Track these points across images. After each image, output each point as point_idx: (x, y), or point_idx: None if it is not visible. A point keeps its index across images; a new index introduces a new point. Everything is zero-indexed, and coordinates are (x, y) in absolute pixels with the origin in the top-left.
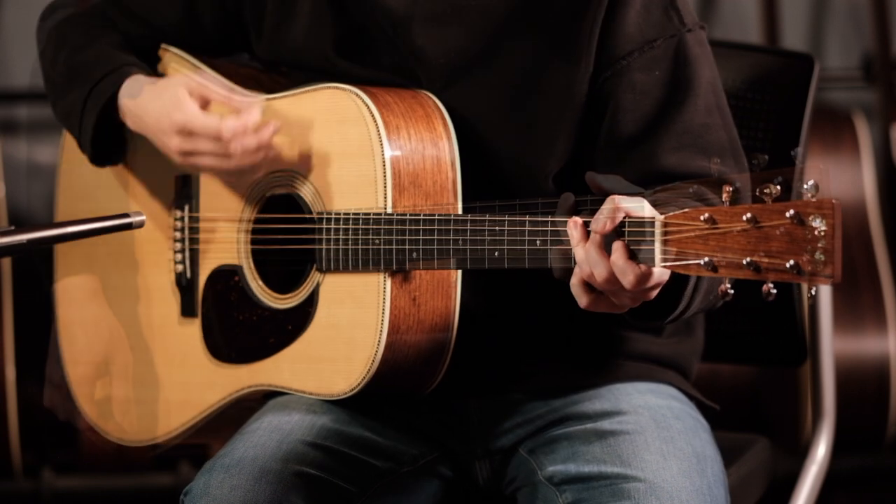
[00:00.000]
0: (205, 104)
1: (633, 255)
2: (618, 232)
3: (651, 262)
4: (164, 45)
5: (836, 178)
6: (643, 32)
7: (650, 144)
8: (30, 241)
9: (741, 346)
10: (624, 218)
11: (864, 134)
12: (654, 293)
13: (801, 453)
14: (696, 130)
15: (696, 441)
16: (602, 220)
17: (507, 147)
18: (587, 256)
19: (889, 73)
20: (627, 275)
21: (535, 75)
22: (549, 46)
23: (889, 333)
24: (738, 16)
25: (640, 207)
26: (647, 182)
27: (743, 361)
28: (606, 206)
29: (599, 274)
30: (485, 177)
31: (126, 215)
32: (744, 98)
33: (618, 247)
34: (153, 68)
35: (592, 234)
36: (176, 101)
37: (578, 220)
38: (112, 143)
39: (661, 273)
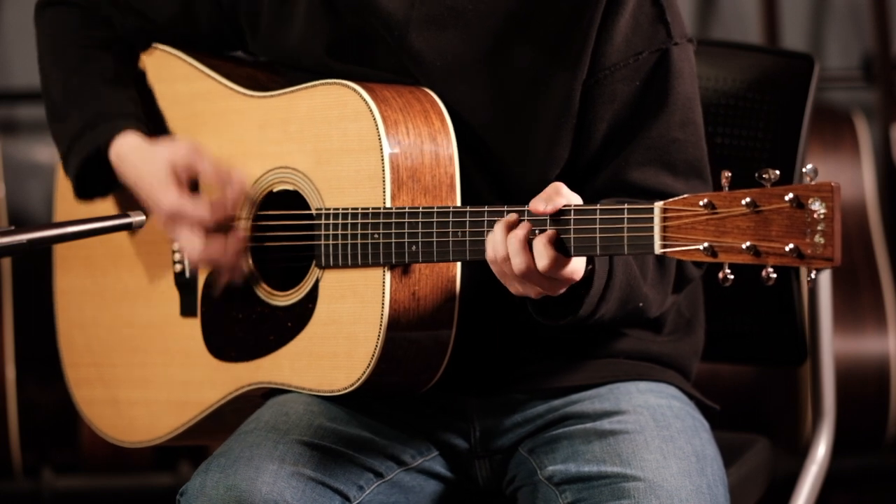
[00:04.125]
0: (192, 177)
1: (557, 244)
2: (555, 220)
3: (650, 250)
4: (157, 45)
5: (836, 178)
6: (630, 43)
7: (619, 157)
8: (30, 241)
9: (741, 346)
10: (564, 206)
11: (864, 134)
12: (562, 289)
13: (801, 453)
14: (664, 146)
15: (696, 440)
16: (541, 203)
17: (506, 151)
18: (507, 243)
19: (889, 73)
20: (543, 258)
21: (533, 80)
22: (546, 51)
23: (889, 333)
24: (738, 16)
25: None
26: (612, 193)
27: (743, 361)
28: (549, 190)
29: (517, 265)
30: (485, 181)
31: (126, 215)
32: (744, 98)
33: (546, 235)
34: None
35: (523, 224)
36: (160, 183)
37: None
38: (96, 183)
39: (574, 267)
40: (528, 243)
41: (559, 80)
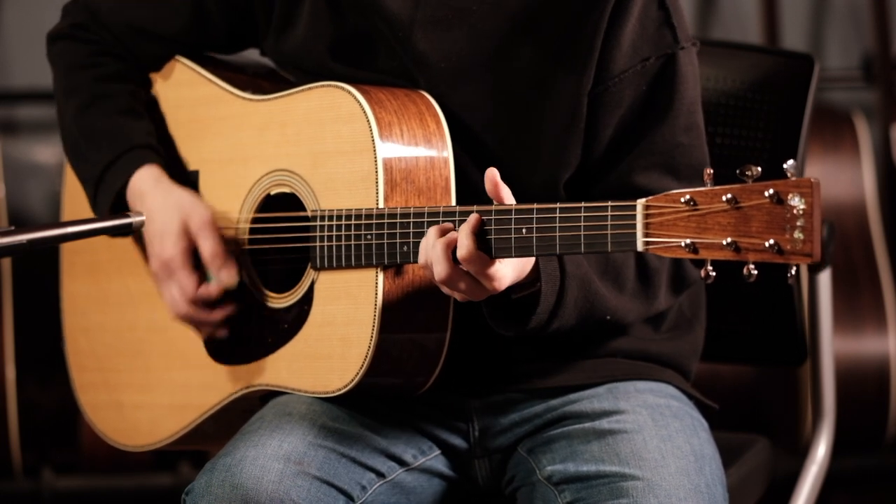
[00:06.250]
0: (194, 245)
1: (480, 243)
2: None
3: (632, 247)
4: (176, 57)
5: (836, 178)
6: (638, 49)
7: (625, 161)
8: (30, 241)
9: (741, 346)
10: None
11: (864, 134)
12: (502, 286)
13: (801, 453)
14: (668, 150)
15: (695, 440)
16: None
17: (510, 153)
18: (433, 252)
19: (889, 73)
20: (474, 264)
21: (538, 82)
22: (552, 54)
23: (889, 333)
24: (738, 16)
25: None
26: (620, 196)
27: (743, 361)
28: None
29: (438, 273)
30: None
31: (126, 215)
32: (744, 98)
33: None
34: (164, 75)
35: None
36: (169, 232)
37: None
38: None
39: (510, 269)
40: (452, 252)
41: (565, 83)
